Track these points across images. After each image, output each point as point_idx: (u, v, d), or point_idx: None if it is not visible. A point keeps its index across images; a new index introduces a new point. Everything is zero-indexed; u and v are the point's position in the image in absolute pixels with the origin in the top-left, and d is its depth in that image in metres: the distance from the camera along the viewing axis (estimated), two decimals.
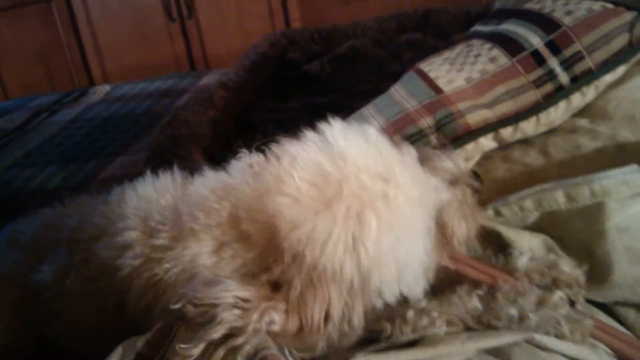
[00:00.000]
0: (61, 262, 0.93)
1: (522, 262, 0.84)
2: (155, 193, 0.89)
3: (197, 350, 0.66)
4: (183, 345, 0.66)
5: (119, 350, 0.75)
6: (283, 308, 0.70)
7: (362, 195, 0.70)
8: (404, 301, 0.78)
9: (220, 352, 0.67)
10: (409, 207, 0.72)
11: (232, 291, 0.70)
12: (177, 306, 0.70)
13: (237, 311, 0.68)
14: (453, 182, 0.84)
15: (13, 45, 3.85)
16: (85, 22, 3.87)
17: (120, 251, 0.83)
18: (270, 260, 0.72)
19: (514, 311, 0.75)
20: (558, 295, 0.77)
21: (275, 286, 0.72)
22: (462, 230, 0.82)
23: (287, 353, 0.71)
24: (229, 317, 0.68)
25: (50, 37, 3.88)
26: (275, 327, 0.69)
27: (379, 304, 0.74)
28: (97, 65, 3.95)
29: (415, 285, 0.76)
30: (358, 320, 0.72)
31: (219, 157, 0.97)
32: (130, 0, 3.85)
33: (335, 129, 0.77)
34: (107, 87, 2.80)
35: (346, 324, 0.72)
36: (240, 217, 0.76)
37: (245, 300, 0.69)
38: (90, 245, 0.89)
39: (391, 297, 0.74)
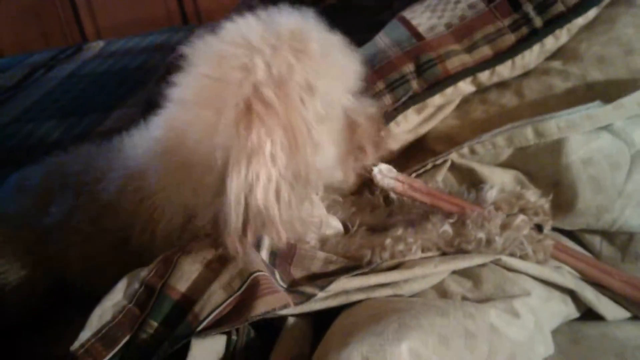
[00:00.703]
0: (69, 204, 1.00)
1: (491, 194, 0.91)
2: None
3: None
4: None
5: (124, 280, 0.83)
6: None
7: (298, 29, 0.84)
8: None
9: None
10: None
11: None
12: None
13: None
14: None
15: (5, 4, 3.84)
16: None
17: (122, 188, 0.90)
18: (236, 112, 0.78)
19: (481, 234, 0.83)
20: (520, 218, 0.85)
21: None
22: (370, 131, 0.92)
23: (277, 277, 0.79)
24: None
25: None
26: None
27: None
28: (90, 21, 3.95)
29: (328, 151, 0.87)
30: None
31: None
32: None
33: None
34: (101, 43, 2.82)
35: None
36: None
37: None
38: (94, 186, 0.96)
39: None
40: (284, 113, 0.77)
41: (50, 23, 3.94)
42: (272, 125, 0.76)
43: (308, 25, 0.85)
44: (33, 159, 1.46)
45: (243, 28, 0.84)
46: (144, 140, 0.94)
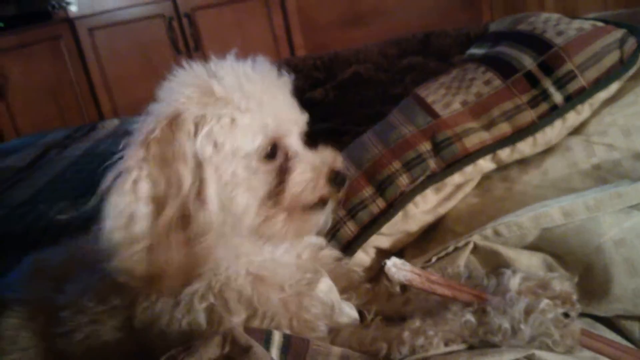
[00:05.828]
0: (84, 282, 0.96)
1: (514, 282, 0.85)
2: None
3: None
4: None
5: None
6: None
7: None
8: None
9: None
10: None
11: None
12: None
13: None
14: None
15: (24, 83, 3.92)
16: (94, 58, 3.96)
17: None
18: None
19: (505, 323, 0.76)
20: (545, 302, 0.78)
21: None
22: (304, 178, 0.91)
23: None
24: None
25: (59, 74, 3.95)
26: None
27: None
28: (107, 99, 4.02)
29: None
30: None
31: None
32: (137, 35, 3.93)
33: None
34: (115, 121, 2.83)
35: None
36: None
37: None
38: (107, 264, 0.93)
39: None
40: None
41: (67, 101, 4.00)
42: None
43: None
44: (43, 243, 1.42)
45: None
46: None
